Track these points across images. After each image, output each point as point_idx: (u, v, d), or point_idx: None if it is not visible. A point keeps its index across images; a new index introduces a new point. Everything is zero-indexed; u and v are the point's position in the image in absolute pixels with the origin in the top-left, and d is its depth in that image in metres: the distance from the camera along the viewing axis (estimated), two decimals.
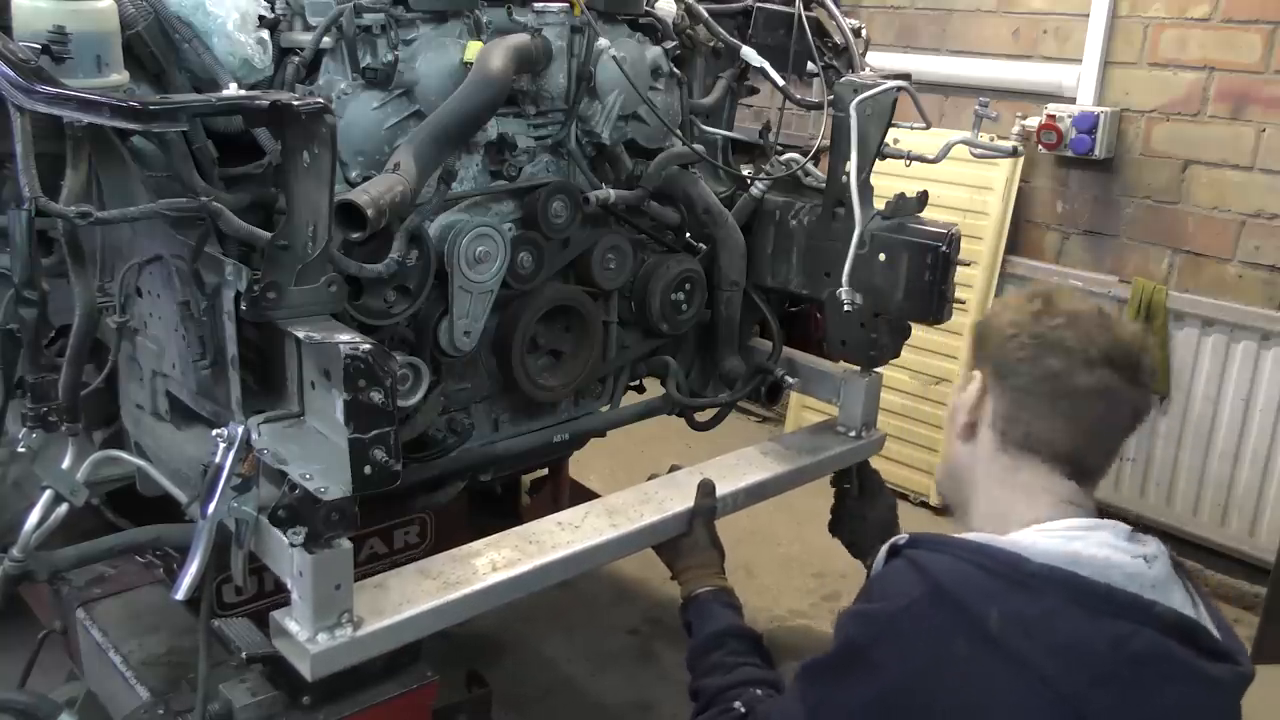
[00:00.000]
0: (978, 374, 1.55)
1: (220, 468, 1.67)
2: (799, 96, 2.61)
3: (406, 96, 2.06)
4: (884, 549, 1.49)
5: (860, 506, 2.50)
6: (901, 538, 1.46)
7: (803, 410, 4.58)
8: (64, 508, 1.83)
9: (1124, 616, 1.32)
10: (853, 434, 2.67)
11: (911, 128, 2.46)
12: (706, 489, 2.24)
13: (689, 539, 2.21)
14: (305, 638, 1.70)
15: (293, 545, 1.66)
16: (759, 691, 1.70)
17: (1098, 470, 1.50)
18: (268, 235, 1.72)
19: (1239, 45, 3.58)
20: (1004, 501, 1.50)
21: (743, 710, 1.66)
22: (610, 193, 2.36)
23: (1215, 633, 1.39)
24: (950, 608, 1.34)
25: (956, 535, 1.43)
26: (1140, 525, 1.47)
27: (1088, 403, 1.44)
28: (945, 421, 1.69)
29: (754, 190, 2.63)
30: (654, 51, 2.44)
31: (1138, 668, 1.30)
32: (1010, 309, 1.54)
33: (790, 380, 2.69)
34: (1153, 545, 1.43)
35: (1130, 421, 1.47)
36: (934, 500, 4.27)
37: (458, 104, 1.98)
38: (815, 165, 2.61)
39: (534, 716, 3.07)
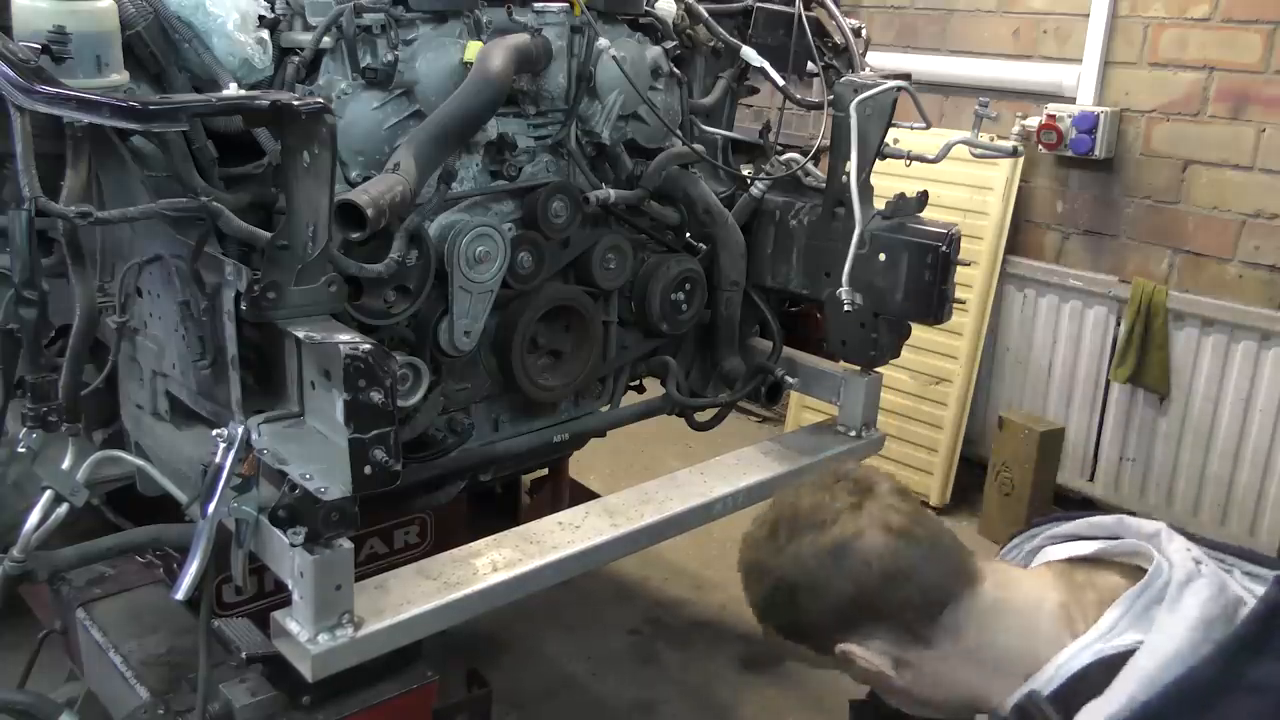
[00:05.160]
0: (851, 647, 1.35)
1: (220, 468, 1.67)
2: (799, 96, 2.61)
3: (406, 96, 2.06)
4: None
5: None
6: None
7: (803, 410, 4.58)
8: (64, 508, 1.83)
9: None
10: (853, 434, 2.67)
11: (911, 128, 2.46)
12: None
13: None
14: (306, 638, 1.70)
15: (293, 545, 1.67)
16: None
17: (958, 540, 1.38)
18: (268, 235, 1.72)
19: (1239, 45, 3.58)
20: (1002, 649, 1.31)
21: None
22: (610, 193, 2.36)
23: None
24: None
25: (1129, 709, 1.20)
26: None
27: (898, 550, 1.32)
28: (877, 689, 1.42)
29: (754, 190, 2.63)
30: (654, 51, 2.44)
31: None
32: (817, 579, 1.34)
33: (790, 380, 2.69)
34: (1175, 542, 1.33)
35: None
36: (934, 500, 4.27)
37: (458, 104, 1.99)
38: (815, 165, 2.61)
39: (534, 716, 3.06)
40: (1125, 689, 1.20)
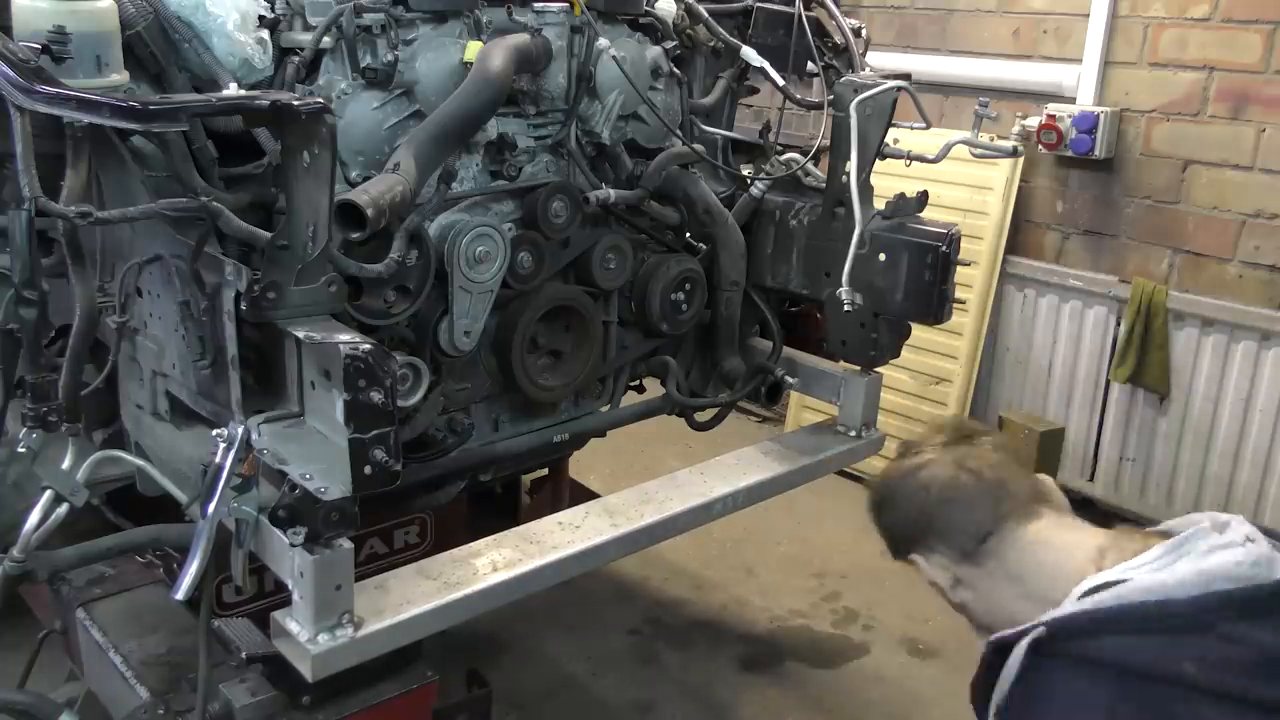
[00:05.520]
0: (917, 558, 1.55)
1: (220, 468, 1.67)
2: (799, 96, 2.61)
3: (406, 96, 2.06)
4: (1021, 648, 1.32)
5: None
6: (1036, 631, 1.31)
7: (803, 410, 4.58)
8: (64, 508, 1.84)
9: None
10: (853, 434, 2.67)
11: (911, 128, 2.46)
12: None
13: None
14: (306, 638, 1.70)
15: (293, 545, 1.66)
16: None
17: (1038, 493, 1.50)
18: (268, 235, 1.72)
19: (1239, 45, 3.58)
20: (1034, 577, 1.44)
21: None
22: (610, 193, 2.36)
23: None
24: (1150, 686, 1.25)
25: (1088, 609, 1.31)
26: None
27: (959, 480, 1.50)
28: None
29: (754, 190, 2.63)
30: (654, 51, 2.44)
31: None
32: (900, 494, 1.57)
33: (790, 380, 2.69)
34: (1242, 528, 1.36)
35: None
36: None
37: (458, 104, 1.99)
38: (815, 165, 2.61)
39: (534, 716, 3.07)
40: (1095, 599, 1.29)
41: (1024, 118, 3.99)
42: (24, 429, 1.83)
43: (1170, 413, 3.87)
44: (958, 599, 1.53)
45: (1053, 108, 3.92)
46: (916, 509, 1.53)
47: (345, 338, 1.63)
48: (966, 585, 1.51)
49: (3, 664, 2.55)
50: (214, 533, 1.69)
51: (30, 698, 2.06)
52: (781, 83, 2.53)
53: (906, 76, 2.38)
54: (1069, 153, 3.90)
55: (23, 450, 1.84)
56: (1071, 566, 1.39)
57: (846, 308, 2.32)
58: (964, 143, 2.45)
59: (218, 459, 1.68)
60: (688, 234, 2.57)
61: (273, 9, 1.97)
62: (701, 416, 2.77)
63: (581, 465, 3.38)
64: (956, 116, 4.21)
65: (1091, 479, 4.10)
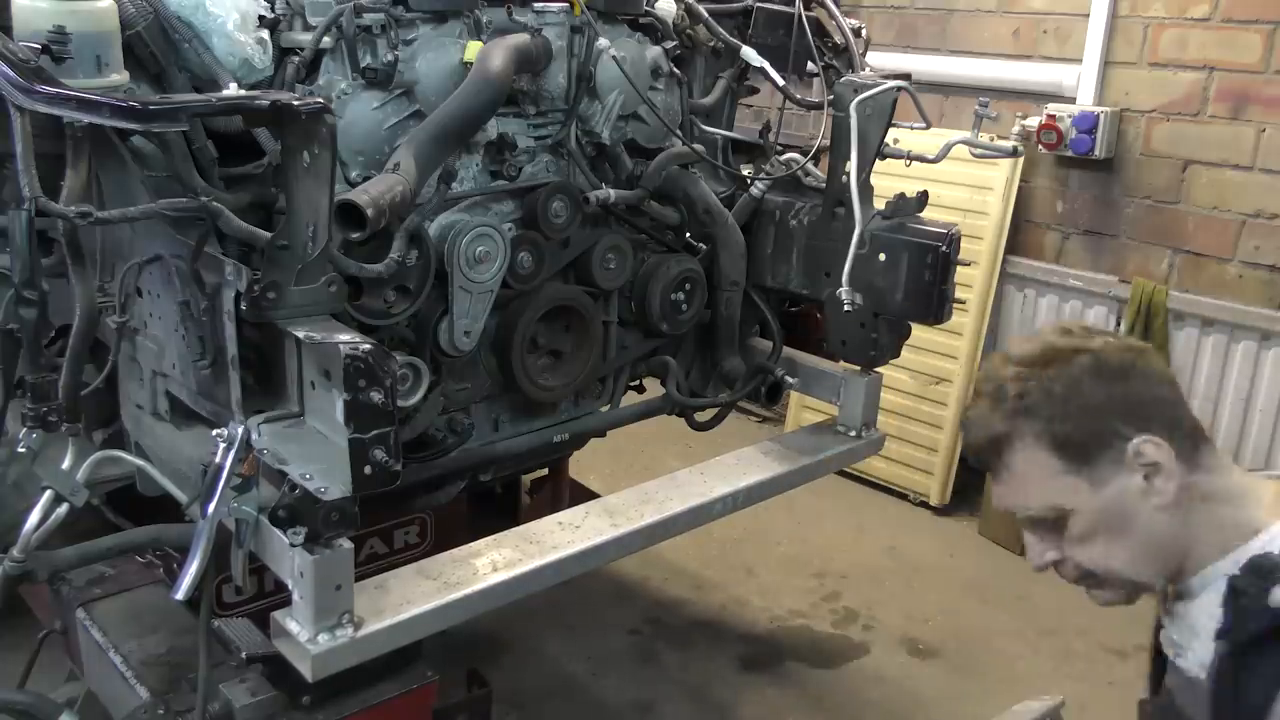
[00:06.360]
0: (1079, 481, 1.39)
1: (220, 468, 1.67)
2: (799, 96, 2.61)
3: (406, 96, 2.06)
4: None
5: None
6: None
7: (803, 410, 4.58)
8: (64, 508, 1.84)
9: None
10: (853, 434, 2.67)
11: (911, 128, 2.46)
12: None
13: None
14: (306, 638, 1.70)
15: (293, 545, 1.67)
16: None
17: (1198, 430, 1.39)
18: (268, 235, 1.72)
19: (1239, 45, 3.58)
20: (1232, 502, 1.33)
21: None
22: (610, 193, 2.36)
23: None
24: None
25: None
26: None
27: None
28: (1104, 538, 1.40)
29: (754, 190, 2.63)
30: (654, 51, 2.44)
31: None
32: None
33: (790, 380, 2.69)
34: None
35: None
36: (934, 500, 4.27)
37: (458, 104, 1.99)
38: (815, 165, 2.61)
39: (534, 716, 3.07)
40: None
41: (1024, 118, 3.99)
42: (24, 429, 1.83)
43: None
44: (1098, 504, 1.36)
45: (1053, 108, 3.92)
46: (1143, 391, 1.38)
47: (345, 338, 1.63)
48: (1163, 474, 1.33)
49: (3, 664, 2.55)
50: (214, 533, 1.69)
51: (30, 698, 2.06)
52: (781, 83, 2.53)
53: (906, 76, 2.38)
54: (1069, 153, 3.90)
55: (23, 450, 1.84)
56: (1265, 500, 1.30)
57: (846, 308, 2.32)
58: (964, 143, 2.45)
59: (218, 459, 1.68)
60: (688, 234, 2.57)
61: (273, 9, 1.97)
62: (701, 416, 2.77)
63: (581, 465, 3.38)
64: (956, 116, 4.21)
65: None
